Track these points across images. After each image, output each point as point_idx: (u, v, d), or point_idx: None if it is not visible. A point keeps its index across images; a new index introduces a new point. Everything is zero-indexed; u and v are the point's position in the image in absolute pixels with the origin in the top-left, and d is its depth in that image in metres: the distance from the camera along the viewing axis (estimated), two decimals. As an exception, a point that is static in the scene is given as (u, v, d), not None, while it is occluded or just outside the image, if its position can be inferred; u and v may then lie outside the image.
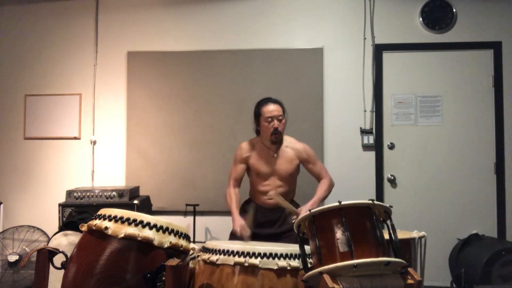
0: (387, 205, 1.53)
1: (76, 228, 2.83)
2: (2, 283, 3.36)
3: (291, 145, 2.67)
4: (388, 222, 1.55)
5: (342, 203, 1.47)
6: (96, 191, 3.27)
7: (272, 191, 2.55)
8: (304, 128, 3.61)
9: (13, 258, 3.38)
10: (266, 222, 2.59)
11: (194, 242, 3.34)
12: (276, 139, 2.59)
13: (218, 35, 3.79)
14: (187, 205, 3.53)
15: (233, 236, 2.59)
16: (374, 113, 3.65)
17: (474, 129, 3.59)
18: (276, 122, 2.55)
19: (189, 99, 3.75)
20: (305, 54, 3.69)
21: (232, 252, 1.68)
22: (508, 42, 3.61)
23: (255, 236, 2.48)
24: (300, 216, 1.57)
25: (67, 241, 2.82)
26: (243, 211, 2.67)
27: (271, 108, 2.58)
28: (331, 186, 2.64)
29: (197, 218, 3.58)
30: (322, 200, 2.58)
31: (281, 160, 2.63)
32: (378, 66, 3.67)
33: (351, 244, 1.39)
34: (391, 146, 3.64)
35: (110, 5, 3.89)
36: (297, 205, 2.65)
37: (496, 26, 3.62)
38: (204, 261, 1.75)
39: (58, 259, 1.51)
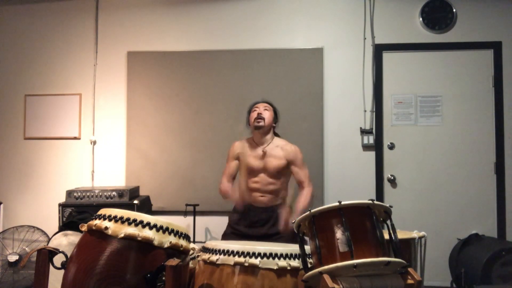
0: (387, 205, 1.53)
1: (76, 228, 2.83)
2: (2, 283, 3.36)
3: (281, 146, 2.71)
4: (388, 222, 1.55)
5: (342, 203, 1.47)
6: (96, 191, 3.27)
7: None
8: (304, 128, 3.61)
9: (13, 258, 3.38)
10: (258, 221, 2.60)
11: (194, 242, 3.35)
12: (259, 124, 2.65)
13: (218, 35, 3.80)
14: (187, 205, 3.53)
15: (225, 237, 2.62)
16: (374, 113, 3.65)
17: (474, 129, 3.59)
18: (260, 109, 2.70)
19: (189, 99, 3.75)
20: (305, 54, 3.69)
21: (232, 252, 1.68)
22: (508, 42, 3.61)
23: (248, 237, 2.49)
24: (300, 217, 1.57)
25: (67, 241, 2.82)
26: (234, 211, 2.70)
27: (259, 103, 2.76)
28: (313, 197, 2.64)
29: (197, 218, 3.58)
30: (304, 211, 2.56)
31: (270, 157, 2.67)
32: (378, 66, 3.67)
33: (351, 244, 1.39)
34: (391, 146, 3.64)
35: (110, 5, 3.89)
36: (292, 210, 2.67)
37: (496, 26, 3.62)
38: (204, 261, 1.75)
39: (58, 259, 1.51)
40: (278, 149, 2.69)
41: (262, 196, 2.63)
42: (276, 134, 2.80)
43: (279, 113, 2.80)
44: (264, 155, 2.67)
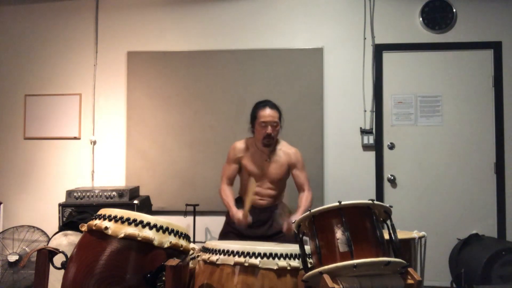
0: (387, 205, 1.53)
1: (76, 228, 2.83)
2: (2, 283, 3.36)
3: (283, 149, 2.70)
4: (388, 222, 1.55)
5: (342, 203, 1.47)
6: (96, 191, 3.27)
7: (252, 182, 2.53)
8: (304, 128, 3.61)
9: (13, 258, 3.38)
10: (256, 222, 2.60)
11: (194, 242, 3.35)
12: (268, 143, 2.62)
13: (218, 35, 3.79)
14: (187, 205, 3.53)
15: (223, 236, 2.62)
16: (374, 113, 3.65)
17: (474, 129, 3.59)
18: (269, 128, 2.56)
19: (189, 99, 3.75)
20: (305, 54, 3.69)
21: (232, 252, 1.68)
22: (508, 42, 3.61)
23: (247, 237, 2.49)
24: (300, 217, 1.57)
25: (67, 241, 2.82)
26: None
27: (267, 113, 2.58)
28: (312, 200, 2.66)
29: (197, 218, 3.58)
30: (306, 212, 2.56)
31: (273, 165, 2.66)
32: (378, 66, 3.67)
33: (351, 244, 1.39)
34: (391, 146, 3.64)
35: (110, 5, 3.89)
36: (284, 206, 2.68)
37: (496, 26, 3.62)
38: (204, 261, 1.75)
39: (58, 259, 1.51)
40: (280, 153, 2.68)
41: (261, 200, 2.65)
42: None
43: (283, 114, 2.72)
44: (268, 162, 2.67)
